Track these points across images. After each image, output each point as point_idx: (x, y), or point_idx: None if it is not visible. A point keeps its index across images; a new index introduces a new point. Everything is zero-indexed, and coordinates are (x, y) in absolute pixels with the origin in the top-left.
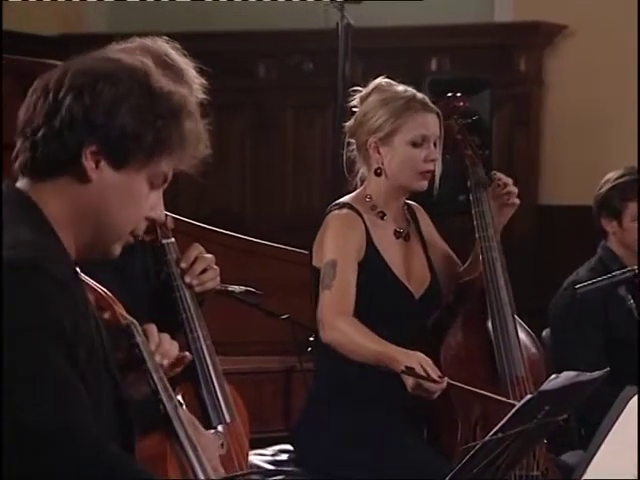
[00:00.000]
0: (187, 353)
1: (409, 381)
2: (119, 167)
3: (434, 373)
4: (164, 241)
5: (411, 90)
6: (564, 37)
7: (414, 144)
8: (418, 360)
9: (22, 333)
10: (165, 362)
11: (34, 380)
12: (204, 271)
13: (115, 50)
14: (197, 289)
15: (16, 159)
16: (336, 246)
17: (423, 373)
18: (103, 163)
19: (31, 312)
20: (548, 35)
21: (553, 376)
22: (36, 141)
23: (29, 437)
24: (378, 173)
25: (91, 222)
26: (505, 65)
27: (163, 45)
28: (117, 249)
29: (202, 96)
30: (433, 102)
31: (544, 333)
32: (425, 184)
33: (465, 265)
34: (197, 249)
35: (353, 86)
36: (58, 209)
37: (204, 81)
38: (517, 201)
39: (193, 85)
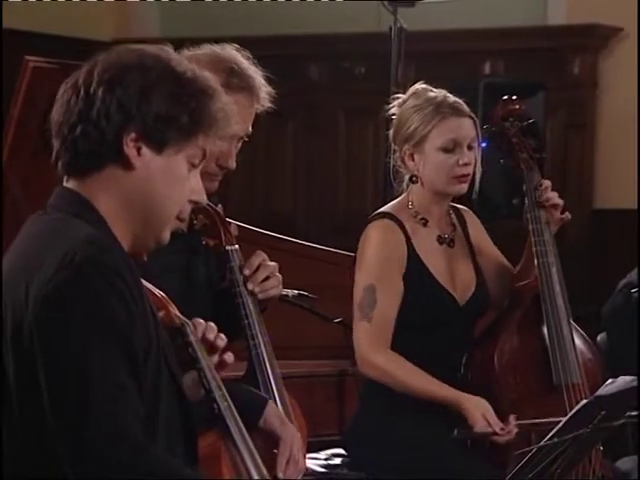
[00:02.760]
0: (228, 357)
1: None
2: (160, 150)
3: (497, 425)
4: (228, 247)
5: (443, 95)
6: (619, 40)
7: (445, 149)
8: (482, 413)
9: (77, 330)
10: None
11: (84, 379)
12: (267, 279)
13: (185, 56)
14: (260, 296)
15: (57, 162)
16: (375, 268)
17: (487, 428)
18: (144, 149)
19: (86, 309)
20: (603, 38)
21: (609, 381)
22: (75, 138)
23: (72, 440)
24: (414, 181)
25: (140, 210)
26: (559, 68)
27: (233, 52)
28: (166, 235)
29: (269, 104)
30: (484, 106)
31: (599, 338)
32: (463, 187)
33: (517, 269)
34: (260, 256)
35: (405, 90)
36: (107, 202)
37: (272, 89)
38: (568, 216)
39: (260, 94)
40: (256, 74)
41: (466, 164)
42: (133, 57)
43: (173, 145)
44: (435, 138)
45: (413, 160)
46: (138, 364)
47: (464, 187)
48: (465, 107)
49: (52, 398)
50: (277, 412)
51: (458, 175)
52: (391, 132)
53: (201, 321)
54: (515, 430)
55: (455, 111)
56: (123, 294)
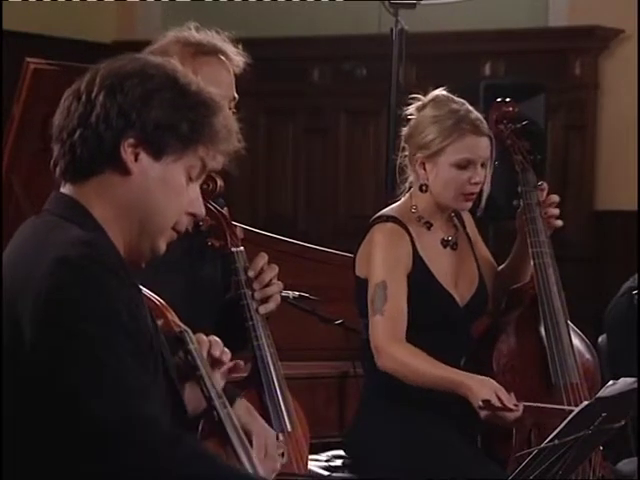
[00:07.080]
0: (241, 362)
1: (483, 412)
2: (158, 157)
3: (509, 402)
4: (233, 249)
5: (465, 108)
6: (620, 41)
7: (458, 166)
8: (493, 389)
9: (85, 322)
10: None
11: (97, 369)
12: (269, 284)
13: (150, 50)
14: (256, 296)
15: (55, 168)
16: (385, 266)
17: (499, 404)
18: (142, 155)
19: (92, 302)
20: (603, 39)
21: (610, 382)
22: (74, 142)
23: (93, 430)
24: (423, 190)
25: (136, 216)
26: (560, 70)
27: (192, 31)
28: (162, 245)
29: (243, 61)
30: (485, 108)
31: (600, 339)
32: (468, 205)
33: (503, 266)
34: (264, 258)
35: (407, 91)
36: (103, 208)
37: (244, 55)
38: (559, 223)
39: (229, 53)
40: (219, 39)
41: (477, 183)
42: (136, 65)
43: (171, 153)
44: (450, 154)
45: (424, 169)
46: (144, 358)
47: (469, 205)
48: (485, 125)
49: (69, 392)
50: (248, 408)
51: (467, 193)
52: (405, 132)
53: (204, 338)
54: (521, 410)
55: (475, 129)
56: (121, 292)
